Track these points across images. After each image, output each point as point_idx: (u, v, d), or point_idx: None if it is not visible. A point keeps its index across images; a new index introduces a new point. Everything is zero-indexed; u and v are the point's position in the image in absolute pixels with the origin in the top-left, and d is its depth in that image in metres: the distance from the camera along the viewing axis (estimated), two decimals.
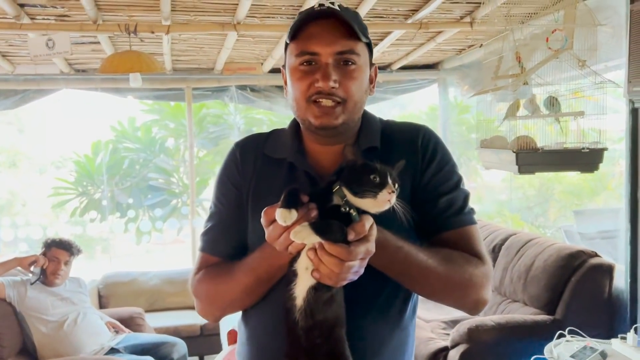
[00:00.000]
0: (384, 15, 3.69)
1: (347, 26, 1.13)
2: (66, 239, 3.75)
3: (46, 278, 3.59)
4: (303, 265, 0.99)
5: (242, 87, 5.21)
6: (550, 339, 2.89)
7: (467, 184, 1.29)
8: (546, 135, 2.72)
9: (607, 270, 3.34)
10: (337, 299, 1.02)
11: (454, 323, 3.55)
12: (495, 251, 4.03)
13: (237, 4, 3.36)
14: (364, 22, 1.22)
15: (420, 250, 1.11)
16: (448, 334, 3.44)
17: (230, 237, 1.24)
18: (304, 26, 1.15)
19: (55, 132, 10.69)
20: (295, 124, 1.27)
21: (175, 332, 4.23)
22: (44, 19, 3.53)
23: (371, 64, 1.23)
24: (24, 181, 10.56)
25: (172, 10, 3.41)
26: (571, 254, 3.42)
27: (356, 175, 0.98)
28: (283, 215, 0.94)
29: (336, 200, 0.99)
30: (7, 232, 8.34)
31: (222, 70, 4.97)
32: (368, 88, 1.22)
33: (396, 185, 0.98)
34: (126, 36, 3.52)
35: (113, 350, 3.54)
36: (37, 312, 3.48)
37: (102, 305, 4.63)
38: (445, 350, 3.34)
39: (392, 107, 10.11)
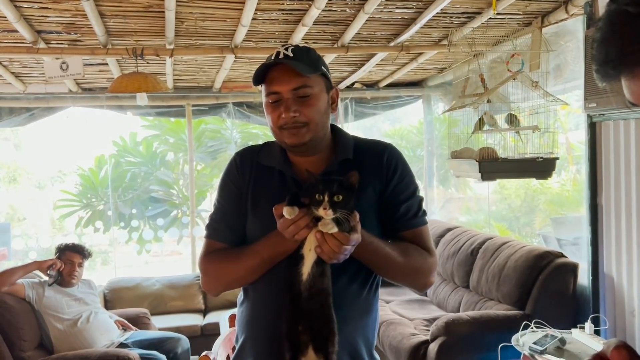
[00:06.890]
0: (369, 39, 4.01)
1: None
2: (78, 243, 4.02)
3: (63, 279, 3.85)
4: (308, 248, 1.32)
5: (238, 104, 5.54)
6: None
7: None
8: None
9: (571, 269, 3.63)
10: (327, 274, 1.35)
11: (434, 320, 3.81)
12: (474, 254, 4.30)
13: (235, 30, 3.63)
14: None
15: (387, 244, 1.45)
16: (429, 330, 3.73)
17: (231, 227, 1.54)
18: (268, 71, 1.45)
19: (54, 147, 10.84)
20: None
21: (177, 331, 4.37)
22: (58, 43, 3.80)
23: (330, 88, 1.51)
24: (24, 196, 10.79)
25: (175, 36, 3.67)
26: (539, 254, 3.73)
27: (308, 193, 1.31)
28: (288, 212, 1.28)
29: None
30: (18, 242, 8.61)
31: (220, 88, 5.29)
32: (329, 108, 1.51)
33: (335, 198, 1.27)
34: (133, 58, 3.82)
35: (122, 345, 3.80)
36: (54, 311, 3.75)
37: (108, 309, 4.79)
38: (426, 344, 3.62)
39: (384, 121, 10.51)
